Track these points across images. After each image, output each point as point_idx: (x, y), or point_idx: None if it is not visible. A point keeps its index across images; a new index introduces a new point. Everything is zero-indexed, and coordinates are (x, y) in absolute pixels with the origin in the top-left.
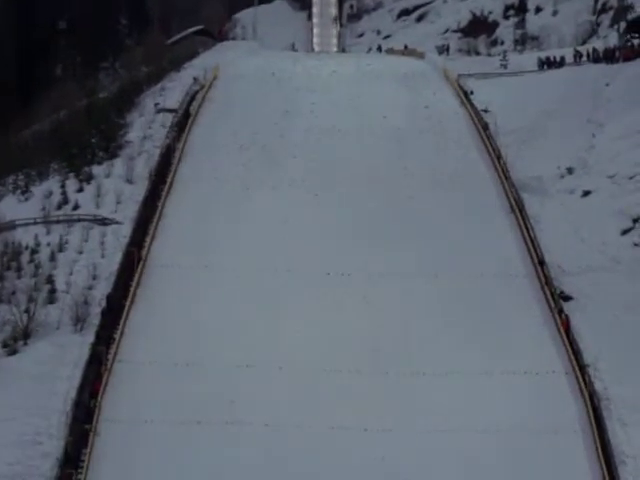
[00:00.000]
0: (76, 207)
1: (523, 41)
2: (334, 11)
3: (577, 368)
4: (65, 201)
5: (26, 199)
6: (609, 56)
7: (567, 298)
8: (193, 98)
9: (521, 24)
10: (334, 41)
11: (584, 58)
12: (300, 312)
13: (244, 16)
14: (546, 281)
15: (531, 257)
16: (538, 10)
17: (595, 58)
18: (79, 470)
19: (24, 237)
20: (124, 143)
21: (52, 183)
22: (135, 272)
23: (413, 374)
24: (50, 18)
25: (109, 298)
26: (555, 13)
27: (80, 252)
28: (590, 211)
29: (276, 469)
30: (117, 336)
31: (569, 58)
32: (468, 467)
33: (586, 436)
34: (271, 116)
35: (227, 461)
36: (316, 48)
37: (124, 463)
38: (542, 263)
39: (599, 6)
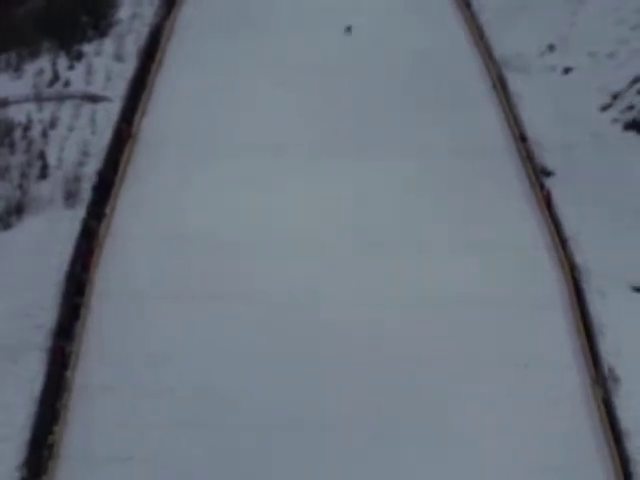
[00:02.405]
0: (67, 84)
1: None
2: None
3: (558, 242)
4: (56, 78)
5: (18, 77)
6: None
7: (548, 173)
8: None
9: None
10: None
11: None
12: (293, 189)
13: None
14: (527, 156)
15: (512, 133)
16: None
17: None
18: (71, 342)
19: (16, 114)
20: (114, 21)
21: (43, 61)
22: (125, 148)
23: (389, 247)
24: None
25: (100, 174)
26: None
27: (71, 129)
28: (571, 88)
29: (272, 342)
30: (108, 211)
31: None
32: (447, 336)
33: (566, 309)
34: None
35: (217, 334)
36: None
37: (116, 335)
38: (523, 139)
39: None
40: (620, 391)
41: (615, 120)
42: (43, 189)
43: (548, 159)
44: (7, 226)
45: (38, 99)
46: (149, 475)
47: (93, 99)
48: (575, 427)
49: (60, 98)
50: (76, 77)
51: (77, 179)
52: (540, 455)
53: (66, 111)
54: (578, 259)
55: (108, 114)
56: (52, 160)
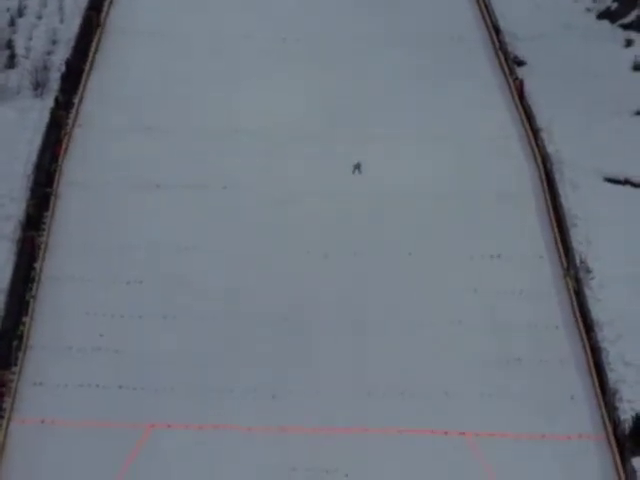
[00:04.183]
0: None
1: None
2: None
3: (530, 132)
4: None
5: None
6: None
7: (521, 63)
8: None
9: None
10: None
11: None
12: (262, 77)
13: None
14: (500, 47)
15: (485, 23)
16: None
17: None
18: (41, 232)
19: None
20: None
21: None
22: (94, 37)
23: (365, 136)
24: None
25: (68, 63)
26: None
27: (39, 17)
28: None
29: (233, 221)
30: (76, 101)
31: None
32: (418, 227)
33: (538, 199)
34: None
35: (186, 220)
36: None
37: (85, 226)
38: (497, 29)
39: None
40: (591, 282)
41: (588, 10)
42: (11, 78)
43: (521, 49)
44: None
45: None
46: (119, 364)
47: None
48: (547, 318)
49: None
50: None
51: (46, 68)
52: (512, 348)
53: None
54: (550, 149)
55: (76, 2)
56: (20, 49)
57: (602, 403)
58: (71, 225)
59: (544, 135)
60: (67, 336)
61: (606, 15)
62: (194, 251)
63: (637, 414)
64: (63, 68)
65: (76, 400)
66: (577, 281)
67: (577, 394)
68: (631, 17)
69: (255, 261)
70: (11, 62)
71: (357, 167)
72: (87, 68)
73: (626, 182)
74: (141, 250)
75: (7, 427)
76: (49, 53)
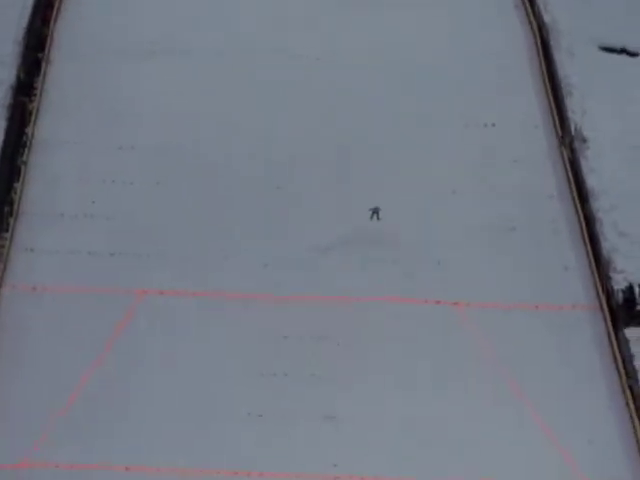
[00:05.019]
0: None
1: None
2: None
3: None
4: None
5: None
6: None
7: None
8: None
9: None
10: None
11: None
12: None
13: None
14: None
15: None
16: None
17: None
18: (32, 98)
19: None
20: None
21: None
22: None
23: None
24: None
25: None
26: None
27: None
28: None
29: (229, 87)
30: None
31: None
32: (408, 95)
33: (533, 68)
34: None
35: (181, 87)
36: None
37: (77, 91)
38: None
39: None
40: (587, 152)
41: None
42: None
43: None
44: None
45: None
46: (111, 231)
47: None
48: (542, 188)
49: None
50: None
51: None
52: (506, 217)
53: None
54: (546, 17)
55: None
56: None
57: (596, 273)
58: (63, 90)
59: (539, 2)
60: (59, 202)
61: None
62: (189, 117)
63: (630, 284)
64: None
65: (68, 267)
66: (572, 151)
67: (570, 264)
68: None
69: (250, 126)
70: None
71: (375, 212)
72: None
73: (622, 51)
74: (134, 116)
75: None
76: None
